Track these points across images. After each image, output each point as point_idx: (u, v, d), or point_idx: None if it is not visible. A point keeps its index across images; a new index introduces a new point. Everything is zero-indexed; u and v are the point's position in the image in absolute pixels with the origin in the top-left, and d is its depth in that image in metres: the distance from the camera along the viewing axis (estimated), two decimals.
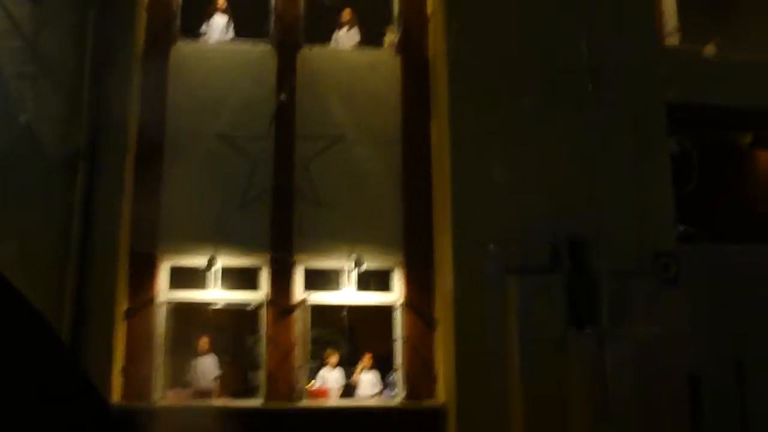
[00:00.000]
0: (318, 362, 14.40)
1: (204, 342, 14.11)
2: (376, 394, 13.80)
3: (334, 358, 14.18)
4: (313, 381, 13.93)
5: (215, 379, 14.00)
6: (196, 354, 14.10)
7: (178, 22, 14.21)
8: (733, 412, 12.80)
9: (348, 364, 14.46)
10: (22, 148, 12.10)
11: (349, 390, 14.06)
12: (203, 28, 14.65)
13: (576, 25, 13.09)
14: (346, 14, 15.09)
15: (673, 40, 14.60)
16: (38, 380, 1.79)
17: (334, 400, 13.51)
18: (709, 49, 14.41)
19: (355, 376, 14.12)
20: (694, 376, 12.41)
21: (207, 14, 14.73)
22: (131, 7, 13.35)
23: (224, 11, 14.75)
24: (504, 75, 12.92)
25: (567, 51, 13.01)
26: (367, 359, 14.11)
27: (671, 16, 14.81)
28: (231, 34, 14.66)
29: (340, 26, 15.08)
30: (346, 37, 14.99)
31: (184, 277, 13.65)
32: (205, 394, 13.68)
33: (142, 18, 13.78)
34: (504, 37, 13.21)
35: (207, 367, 13.98)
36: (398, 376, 13.50)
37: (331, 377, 14.00)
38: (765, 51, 14.60)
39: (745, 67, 14.10)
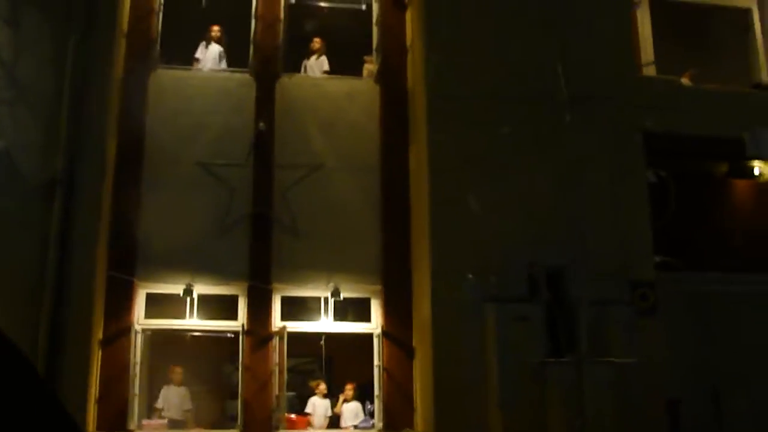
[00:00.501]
0: (297, 391, 14.34)
1: (177, 372, 14.03)
2: (358, 425, 13.74)
3: (322, 387, 14.16)
4: (293, 411, 13.86)
5: (187, 411, 13.90)
6: (167, 383, 14.00)
7: (157, 48, 14.23)
8: None
9: (326, 395, 14.38)
10: None
11: (332, 420, 13.99)
12: (198, 52, 14.70)
13: (554, 55, 13.20)
14: (316, 43, 15.24)
15: (650, 70, 14.74)
16: (16, 412, 1.77)
17: (312, 430, 13.42)
18: (685, 80, 14.56)
19: (338, 407, 14.06)
20: (672, 401, 12.43)
21: (204, 40, 14.81)
22: (110, 33, 13.33)
23: (218, 41, 14.83)
24: (482, 104, 12.97)
25: (545, 80, 13.10)
26: (349, 389, 14.05)
27: (648, 46, 14.95)
28: (224, 64, 14.75)
29: (310, 54, 15.17)
30: (316, 65, 15.08)
31: (161, 305, 13.57)
32: (178, 424, 13.57)
33: (121, 45, 13.78)
34: (482, 67, 13.29)
35: (179, 397, 13.88)
36: (377, 405, 13.43)
37: (321, 405, 13.95)
38: (740, 81, 14.81)
39: (720, 96, 14.25)
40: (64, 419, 1.86)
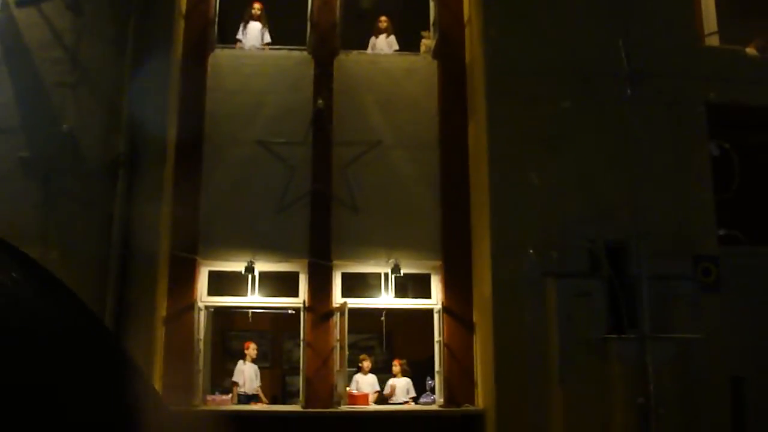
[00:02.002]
0: (357, 367, 14.44)
1: (252, 348, 14.26)
2: (408, 400, 13.80)
3: (367, 363, 14.26)
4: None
5: (259, 386, 14.14)
6: (241, 359, 14.24)
7: (215, 29, 14.32)
8: None
9: (386, 370, 14.46)
10: (64, 156, 12.25)
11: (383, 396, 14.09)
12: (239, 34, 14.75)
13: (614, 28, 12.98)
14: (383, 21, 15.13)
15: (712, 40, 14.46)
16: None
17: (373, 405, 13.50)
18: (750, 49, 14.24)
19: (387, 389, 14.10)
20: (736, 378, 12.28)
21: (243, 21, 14.82)
22: (170, 15, 13.45)
23: (259, 18, 14.84)
24: (542, 79, 12.85)
25: (605, 54, 12.90)
26: (396, 365, 14.13)
27: (710, 16, 14.66)
28: (267, 39, 14.75)
29: (377, 33, 15.11)
30: (385, 44, 15.02)
31: (223, 283, 13.75)
32: (250, 398, 13.81)
33: (180, 26, 13.90)
34: (541, 41, 13.16)
35: (253, 372, 14.12)
36: (437, 380, 13.48)
37: (364, 382, 14.03)
38: None
39: None
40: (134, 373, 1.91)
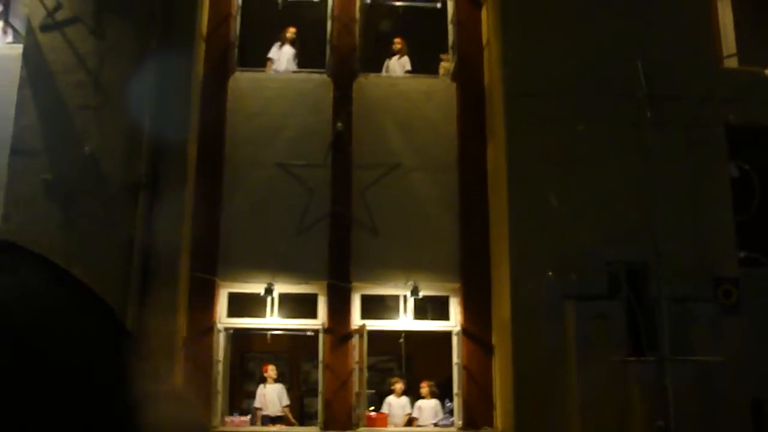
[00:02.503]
0: (376, 389, 14.40)
1: (271, 370, 14.22)
2: (438, 423, 13.73)
3: (399, 386, 14.14)
4: (372, 407, 13.94)
5: (286, 406, 14.05)
6: (260, 381, 14.22)
7: (236, 52, 14.44)
8: None
9: (405, 392, 14.42)
10: (86, 178, 12.37)
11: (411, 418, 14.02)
12: (272, 53, 14.86)
13: (633, 50, 13.02)
14: (397, 43, 15.25)
15: (731, 62, 14.45)
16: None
17: (392, 428, 13.46)
18: None
19: (418, 404, 14.03)
20: (757, 401, 12.20)
21: (279, 41, 14.95)
22: (190, 38, 13.58)
23: (293, 43, 14.97)
24: (560, 101, 12.88)
25: (624, 76, 12.93)
26: (424, 387, 14.02)
27: (729, 37, 14.66)
28: (294, 66, 14.89)
29: (391, 54, 15.21)
30: (398, 65, 15.11)
31: (242, 304, 13.79)
32: (275, 420, 13.76)
33: (201, 49, 14.03)
34: (560, 64, 13.19)
35: (275, 395, 14.05)
36: (456, 403, 13.45)
37: (397, 404, 13.97)
38: None
39: None
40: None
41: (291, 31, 15.02)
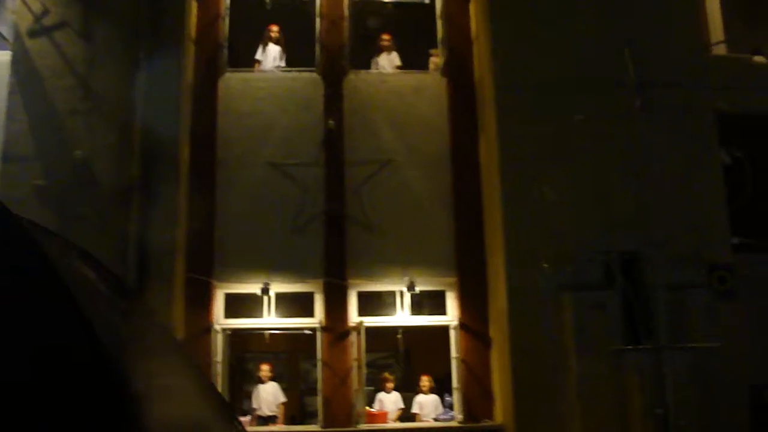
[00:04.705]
0: (375, 386, 14.39)
1: (265, 369, 14.20)
2: (438, 417, 13.72)
3: (390, 382, 14.15)
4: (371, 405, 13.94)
5: (279, 405, 14.03)
6: (257, 381, 14.21)
7: (225, 53, 14.43)
8: None
9: (404, 388, 14.42)
10: (77, 182, 12.34)
11: (407, 413, 14.02)
12: (258, 54, 14.85)
13: (621, 40, 13.03)
14: (385, 39, 15.22)
15: (719, 49, 14.48)
16: None
17: (392, 423, 13.47)
18: (758, 58, 14.27)
19: (418, 399, 14.01)
20: (754, 386, 12.24)
21: (262, 42, 14.93)
22: (180, 40, 13.57)
23: (277, 41, 14.95)
24: (551, 93, 12.90)
25: (613, 66, 12.95)
26: (424, 381, 14.00)
27: (717, 25, 14.69)
28: (282, 63, 14.87)
29: (379, 51, 15.20)
30: (386, 61, 15.10)
31: (239, 305, 13.78)
32: (268, 420, 13.76)
33: (190, 51, 14.02)
34: (549, 56, 13.22)
35: (269, 393, 14.04)
36: (455, 397, 13.47)
37: (388, 400, 13.97)
38: None
39: None
40: None
41: (274, 30, 14.98)
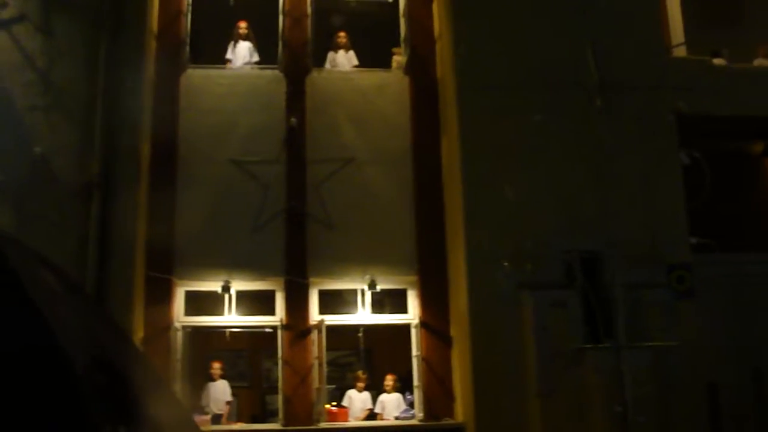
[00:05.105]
0: (337, 384, 14.39)
1: (216, 367, 14.14)
2: (399, 415, 13.72)
3: (362, 381, 14.12)
4: (334, 402, 13.91)
5: (227, 403, 13.97)
6: (209, 379, 14.13)
7: (187, 49, 14.32)
8: (751, 420, 12.75)
9: (366, 387, 14.41)
10: (37, 179, 12.19)
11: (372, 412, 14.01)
12: (228, 53, 14.78)
13: (583, 40, 13.15)
14: (342, 37, 15.21)
15: (680, 51, 14.63)
16: None
17: (353, 422, 13.46)
18: (717, 60, 14.42)
19: (381, 398, 14.01)
20: (711, 384, 12.38)
21: (232, 40, 14.87)
22: (141, 36, 13.45)
23: (247, 37, 14.89)
24: (513, 92, 12.97)
25: (574, 66, 13.07)
26: (389, 380, 14.00)
27: (677, 27, 14.84)
28: (255, 57, 14.83)
29: (336, 48, 15.18)
30: (345, 59, 15.08)
31: (199, 302, 13.72)
32: (217, 418, 13.69)
33: (151, 47, 13.90)
34: (511, 56, 13.29)
35: (219, 391, 13.98)
36: (416, 395, 13.49)
37: (358, 398, 13.97)
38: None
39: (754, 75, 14.14)
40: None
41: (242, 26, 14.92)
